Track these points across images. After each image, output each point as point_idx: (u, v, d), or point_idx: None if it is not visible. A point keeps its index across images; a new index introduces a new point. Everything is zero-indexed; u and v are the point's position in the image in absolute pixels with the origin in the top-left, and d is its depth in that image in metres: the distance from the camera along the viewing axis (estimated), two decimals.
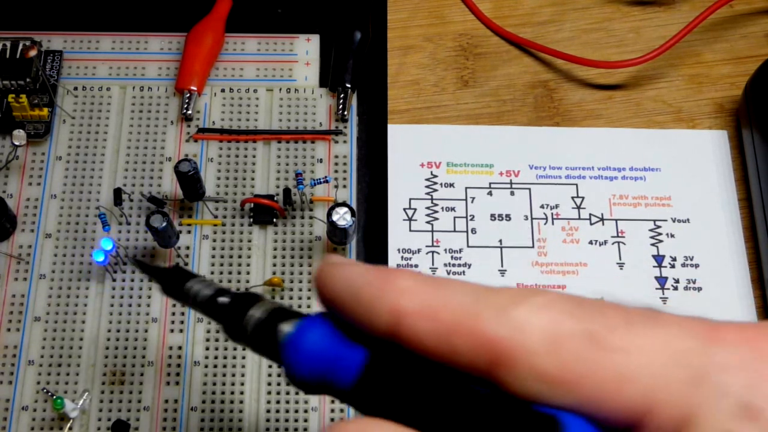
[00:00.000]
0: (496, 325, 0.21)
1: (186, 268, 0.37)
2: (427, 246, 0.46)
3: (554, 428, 0.21)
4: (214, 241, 0.43)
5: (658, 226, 0.46)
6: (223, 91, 0.47)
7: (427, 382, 0.22)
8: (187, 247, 0.43)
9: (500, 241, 0.46)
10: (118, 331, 0.42)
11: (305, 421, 0.40)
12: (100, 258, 0.41)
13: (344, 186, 0.45)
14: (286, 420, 0.40)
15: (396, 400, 0.22)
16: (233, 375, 0.41)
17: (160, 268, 0.31)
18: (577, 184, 0.47)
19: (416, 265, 0.45)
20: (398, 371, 0.22)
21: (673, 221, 0.46)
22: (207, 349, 0.41)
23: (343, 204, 0.40)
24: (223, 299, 0.27)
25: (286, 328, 0.25)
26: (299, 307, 0.42)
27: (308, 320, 0.25)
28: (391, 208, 0.46)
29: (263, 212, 0.44)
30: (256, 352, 0.26)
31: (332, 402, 0.40)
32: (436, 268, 0.45)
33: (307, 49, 0.48)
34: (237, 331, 0.26)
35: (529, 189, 0.47)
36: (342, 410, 0.40)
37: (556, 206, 0.47)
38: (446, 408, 0.22)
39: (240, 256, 0.43)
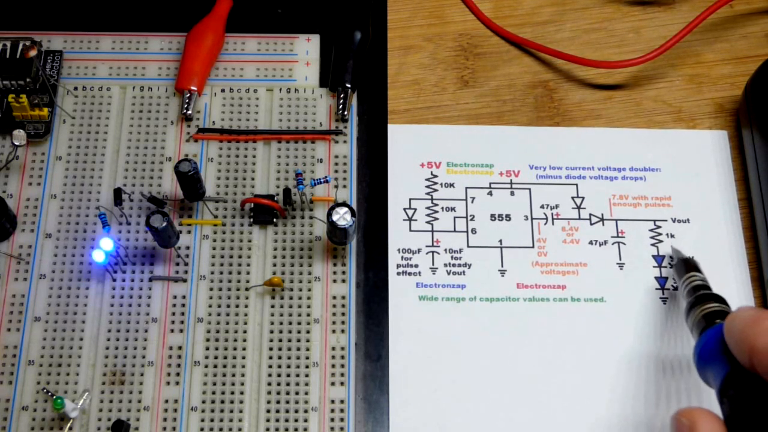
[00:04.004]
0: None
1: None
2: (427, 246, 0.46)
3: None
4: (214, 241, 0.43)
5: (658, 226, 0.46)
6: (223, 91, 0.47)
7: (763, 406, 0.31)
8: (187, 247, 0.43)
9: (500, 241, 0.46)
10: (118, 331, 0.42)
11: (305, 421, 0.40)
12: (101, 258, 0.41)
13: (344, 186, 0.45)
14: (286, 420, 0.40)
15: (738, 413, 0.31)
16: (233, 375, 0.41)
17: None
18: (577, 184, 0.47)
19: (416, 265, 0.45)
20: (747, 392, 0.31)
21: (673, 221, 0.46)
22: (207, 349, 0.41)
23: (343, 204, 0.40)
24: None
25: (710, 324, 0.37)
26: (299, 307, 0.42)
27: (718, 327, 0.35)
28: (391, 208, 0.46)
29: (263, 212, 0.44)
30: (691, 330, 0.39)
31: (332, 402, 0.40)
32: (436, 268, 0.45)
33: (307, 49, 0.48)
34: (691, 310, 0.39)
35: (529, 189, 0.47)
36: (342, 410, 0.40)
37: (556, 206, 0.47)
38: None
39: (240, 256, 0.43)
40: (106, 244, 0.41)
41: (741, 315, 0.33)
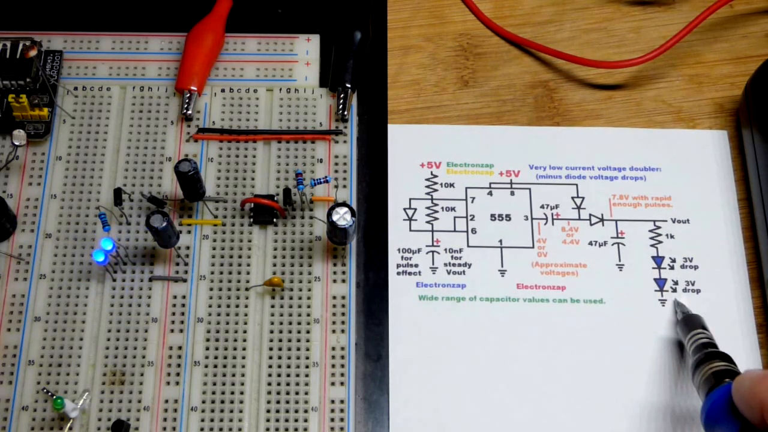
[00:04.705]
0: None
1: None
2: (427, 246, 0.46)
3: None
4: (214, 241, 0.43)
5: (658, 227, 0.46)
6: (223, 91, 0.47)
7: None
8: (187, 247, 0.43)
9: (500, 241, 0.46)
10: (118, 331, 0.42)
11: (305, 421, 0.40)
12: (100, 258, 0.41)
13: (344, 186, 0.45)
14: (286, 420, 0.40)
15: None
16: (233, 375, 0.41)
17: None
18: (577, 184, 0.47)
19: (416, 265, 0.45)
20: None
21: (673, 222, 0.46)
22: (207, 349, 0.41)
23: (343, 204, 0.40)
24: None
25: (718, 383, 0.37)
26: (299, 307, 0.42)
27: (726, 386, 0.35)
28: (391, 208, 0.46)
29: (263, 212, 0.44)
30: (698, 388, 0.39)
31: (332, 402, 0.40)
32: (436, 268, 0.45)
33: (307, 49, 0.48)
34: (697, 367, 0.39)
35: (529, 189, 0.47)
36: (342, 410, 0.40)
37: (556, 206, 0.47)
38: None
39: (240, 256, 0.43)
40: (106, 243, 0.41)
41: (750, 374, 0.33)
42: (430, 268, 0.45)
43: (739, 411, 0.33)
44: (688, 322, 0.42)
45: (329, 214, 0.40)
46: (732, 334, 0.43)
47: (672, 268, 0.45)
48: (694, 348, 0.40)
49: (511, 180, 0.47)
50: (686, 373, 0.43)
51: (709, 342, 0.40)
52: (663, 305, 0.44)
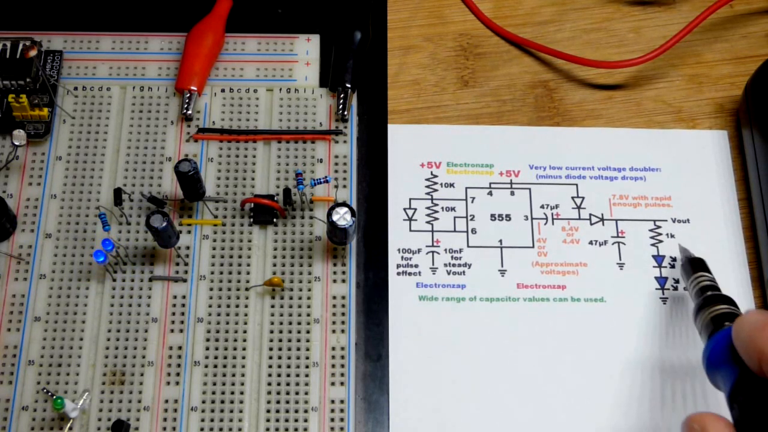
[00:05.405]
0: None
1: None
2: (427, 246, 0.46)
3: None
4: (214, 241, 0.43)
5: (658, 227, 0.46)
6: (223, 91, 0.47)
7: None
8: (187, 247, 0.43)
9: (500, 241, 0.46)
10: (118, 331, 0.42)
11: (305, 421, 0.40)
12: (100, 258, 0.41)
13: (344, 186, 0.45)
14: (286, 420, 0.40)
15: (748, 418, 0.31)
16: (233, 375, 0.41)
17: None
18: (577, 184, 0.47)
19: (416, 265, 0.45)
20: (756, 397, 0.31)
21: (673, 221, 0.46)
22: (207, 349, 0.41)
23: (343, 204, 0.40)
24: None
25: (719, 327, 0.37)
26: (299, 307, 0.42)
27: (726, 330, 0.35)
28: (391, 208, 0.46)
29: (263, 212, 0.44)
30: (700, 333, 0.39)
31: (332, 402, 0.40)
32: (436, 268, 0.45)
33: (307, 49, 0.48)
34: (699, 312, 0.39)
35: (529, 189, 0.47)
36: (342, 410, 0.40)
37: (556, 206, 0.47)
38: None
39: (240, 256, 0.43)
40: (106, 244, 0.41)
41: (749, 320, 0.33)
42: (430, 268, 0.45)
43: (739, 355, 0.33)
44: (691, 265, 0.42)
45: (329, 214, 0.40)
46: None
47: (673, 267, 0.45)
48: (696, 291, 0.40)
49: (511, 180, 0.47)
50: (690, 371, 0.43)
51: (711, 285, 0.40)
52: (664, 303, 0.44)
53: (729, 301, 0.38)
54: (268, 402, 0.40)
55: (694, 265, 0.42)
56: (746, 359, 0.32)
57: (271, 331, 0.42)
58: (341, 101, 0.46)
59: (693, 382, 0.42)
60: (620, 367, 0.43)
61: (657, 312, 0.44)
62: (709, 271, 0.42)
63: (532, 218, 0.46)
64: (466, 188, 0.47)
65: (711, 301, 0.39)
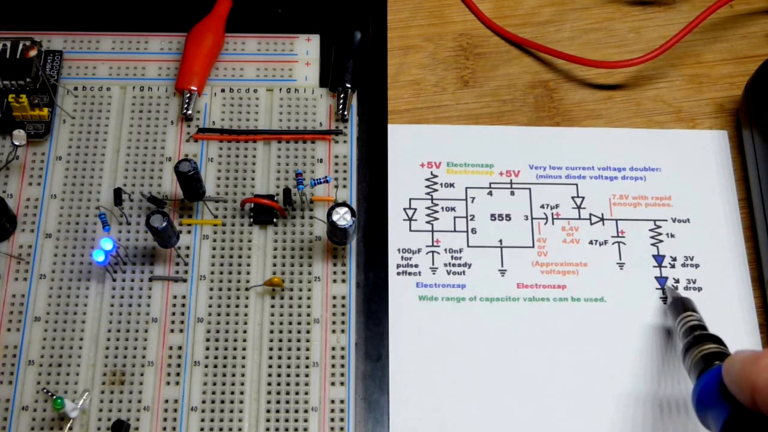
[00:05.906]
0: None
1: None
2: (427, 246, 0.46)
3: None
4: (214, 241, 0.43)
5: (658, 226, 0.46)
6: (223, 91, 0.47)
7: None
8: (187, 247, 0.43)
9: (500, 241, 0.46)
10: (118, 331, 0.42)
11: (305, 421, 0.40)
12: (100, 258, 0.41)
13: (344, 186, 0.45)
14: (286, 420, 0.40)
15: None
16: (233, 375, 0.41)
17: None
18: (577, 184, 0.47)
19: (416, 265, 0.45)
20: (749, 431, 0.31)
21: (673, 221, 0.46)
22: (207, 349, 0.41)
23: (343, 204, 0.40)
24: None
25: (709, 366, 0.36)
26: (299, 307, 0.42)
27: (716, 369, 0.34)
28: (391, 208, 0.46)
29: (263, 212, 0.44)
30: (689, 372, 0.38)
31: (332, 402, 0.40)
32: (436, 268, 0.45)
33: (307, 49, 0.48)
34: (687, 351, 0.38)
35: (529, 189, 0.47)
36: (342, 410, 0.40)
37: (556, 206, 0.47)
38: None
39: (240, 256, 0.43)
40: (106, 243, 0.41)
41: (740, 356, 0.32)
42: (430, 268, 0.45)
43: (731, 393, 0.32)
44: (678, 305, 0.42)
45: (329, 214, 0.40)
46: (733, 334, 0.43)
47: (673, 266, 0.45)
48: (684, 331, 0.40)
49: (511, 180, 0.47)
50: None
51: (698, 324, 0.40)
52: (664, 303, 0.44)
53: (718, 340, 0.38)
54: (268, 402, 0.40)
55: (682, 305, 0.42)
56: (738, 394, 0.32)
57: (271, 331, 0.42)
58: (341, 101, 0.46)
59: (684, 365, 0.42)
60: (620, 366, 0.43)
61: (657, 311, 0.44)
62: (696, 311, 0.41)
63: (532, 218, 0.46)
64: (466, 188, 0.47)
65: (700, 340, 0.38)
